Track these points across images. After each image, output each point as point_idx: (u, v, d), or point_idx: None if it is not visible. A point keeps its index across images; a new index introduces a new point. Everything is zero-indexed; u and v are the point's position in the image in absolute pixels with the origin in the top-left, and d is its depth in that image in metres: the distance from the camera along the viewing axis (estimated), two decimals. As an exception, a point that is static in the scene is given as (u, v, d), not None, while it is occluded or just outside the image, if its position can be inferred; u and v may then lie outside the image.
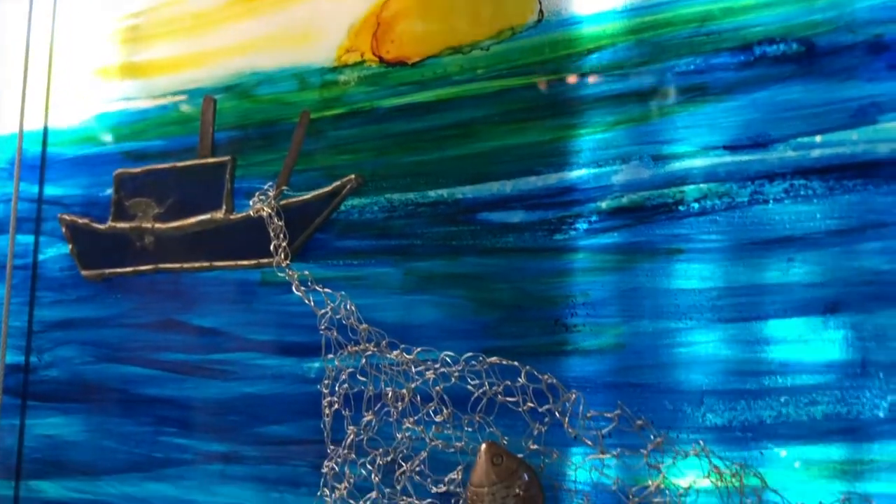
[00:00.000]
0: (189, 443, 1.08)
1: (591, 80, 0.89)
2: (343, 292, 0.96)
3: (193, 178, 1.12)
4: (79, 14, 1.30)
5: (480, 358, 0.86)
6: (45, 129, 1.29)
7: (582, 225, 0.87)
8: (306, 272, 0.99)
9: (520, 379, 0.84)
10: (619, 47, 0.88)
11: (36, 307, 1.25)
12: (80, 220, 1.20)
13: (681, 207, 0.83)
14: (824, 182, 0.77)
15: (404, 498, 0.89)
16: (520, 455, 0.82)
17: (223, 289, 1.08)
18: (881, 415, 0.73)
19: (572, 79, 0.90)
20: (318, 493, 0.94)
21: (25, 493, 1.21)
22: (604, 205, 0.87)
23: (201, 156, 1.12)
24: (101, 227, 1.18)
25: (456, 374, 0.87)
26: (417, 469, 0.88)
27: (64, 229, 1.22)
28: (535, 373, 0.84)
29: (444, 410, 0.87)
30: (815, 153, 0.78)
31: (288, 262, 1.00)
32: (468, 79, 0.95)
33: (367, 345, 0.93)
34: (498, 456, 0.79)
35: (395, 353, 0.91)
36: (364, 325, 0.93)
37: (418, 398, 0.89)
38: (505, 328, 0.89)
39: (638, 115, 0.86)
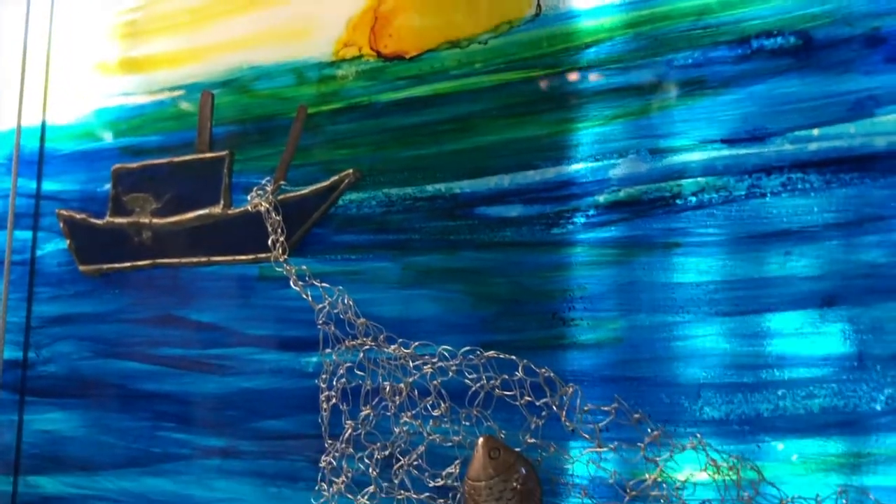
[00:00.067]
0: (187, 438, 1.08)
1: (590, 75, 0.89)
2: (341, 287, 0.96)
3: (191, 173, 1.11)
4: (76, 10, 1.29)
5: (478, 352, 0.86)
6: (43, 125, 1.29)
7: (580, 219, 0.87)
8: (304, 267, 0.99)
9: (517, 373, 0.84)
10: (617, 41, 0.88)
11: (34, 303, 1.25)
12: (78, 216, 1.20)
13: (678, 201, 0.83)
14: (821, 175, 0.77)
15: (402, 492, 0.89)
16: (517, 449, 0.82)
17: (221, 284, 1.08)
18: (878, 408, 0.73)
19: (573, 76, 0.90)
20: (316, 488, 0.94)
21: (24, 488, 1.21)
22: (601, 199, 0.87)
23: (199, 151, 1.12)
24: (99, 222, 1.18)
25: (454, 368, 0.87)
26: (415, 463, 0.88)
27: (62, 225, 1.22)
28: (533, 367, 0.84)
29: (442, 404, 0.87)
30: (813, 146, 0.78)
31: (286, 256, 1.00)
32: (466, 73, 0.95)
33: (364, 339, 0.93)
34: (495, 450, 0.79)
35: (392, 347, 0.91)
36: (362, 320, 0.93)
37: (416, 392, 0.89)
38: (503, 322, 0.89)
39: (635, 108, 0.86)
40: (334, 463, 0.93)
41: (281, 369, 1.02)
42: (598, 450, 0.81)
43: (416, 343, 0.90)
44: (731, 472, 0.76)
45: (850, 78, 0.77)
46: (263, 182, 1.03)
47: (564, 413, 0.82)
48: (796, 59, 0.80)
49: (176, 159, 1.13)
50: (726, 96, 0.82)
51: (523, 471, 0.79)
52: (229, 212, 1.07)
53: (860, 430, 0.74)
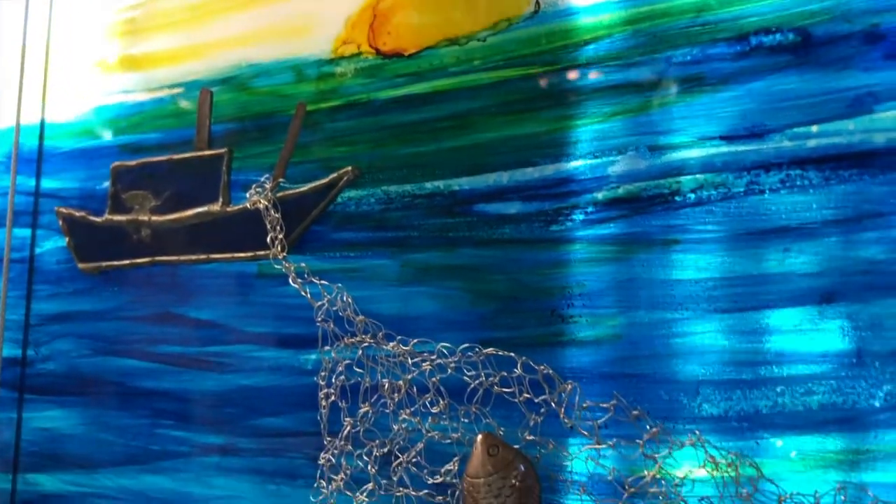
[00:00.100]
0: (186, 435, 1.08)
1: (589, 72, 0.89)
2: (340, 284, 0.96)
3: (190, 170, 1.11)
4: (76, 7, 1.29)
5: (477, 349, 0.86)
6: (42, 123, 1.29)
7: (578, 216, 0.87)
8: (303, 264, 0.99)
9: (516, 370, 0.84)
10: (616, 38, 0.88)
11: (33, 300, 1.25)
12: (77, 214, 1.20)
13: (677, 198, 0.83)
14: (820, 172, 0.77)
15: (401, 489, 0.89)
16: (516, 446, 0.82)
17: (220, 281, 1.08)
18: (877, 404, 0.73)
19: (572, 73, 0.90)
20: (315, 485, 0.94)
21: (23, 486, 1.21)
22: (600, 196, 0.87)
23: (198, 148, 1.11)
24: (98, 219, 1.18)
25: (452, 365, 0.87)
26: (414, 460, 0.88)
27: (61, 222, 1.22)
28: (532, 364, 0.84)
29: (441, 402, 0.87)
30: (812, 143, 0.78)
31: (284, 254, 1.00)
32: (465, 70, 0.95)
33: (363, 336, 0.93)
34: (494, 447, 0.79)
35: (391, 344, 0.91)
36: (360, 317, 0.93)
37: (415, 389, 0.89)
38: (501, 319, 0.89)
39: (634, 105, 0.86)
40: (333, 460, 0.93)
41: (280, 367, 1.02)
42: (597, 447, 0.81)
43: (415, 340, 0.90)
44: (729, 469, 0.76)
45: (849, 74, 0.77)
46: (262, 179, 1.03)
47: (563, 410, 0.82)
48: (795, 56, 0.80)
49: (175, 157, 1.13)
50: (725, 93, 0.82)
51: (522, 468, 0.79)
52: (228, 209, 1.07)
53: (859, 426, 0.74)
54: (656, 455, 0.78)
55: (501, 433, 0.85)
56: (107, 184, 1.18)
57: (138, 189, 1.15)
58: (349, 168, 0.99)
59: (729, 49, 0.82)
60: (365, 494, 0.90)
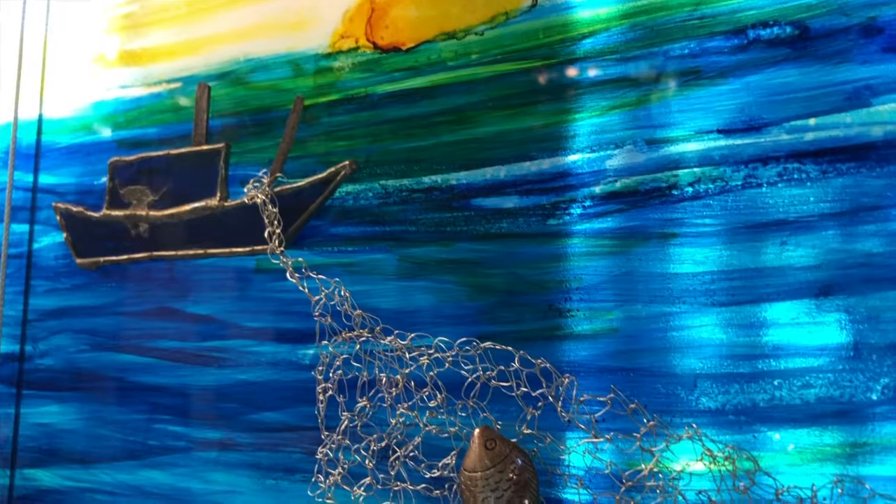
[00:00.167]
0: (184, 430, 1.08)
1: (586, 66, 0.89)
2: (337, 279, 0.96)
3: (188, 165, 1.11)
4: (73, 2, 1.29)
5: (474, 343, 0.86)
6: (40, 118, 1.29)
7: (576, 210, 0.87)
8: (300, 259, 0.99)
9: (513, 364, 0.84)
10: (613, 32, 0.88)
11: (31, 296, 1.24)
12: (75, 209, 1.20)
13: (674, 191, 0.83)
14: (818, 165, 0.77)
15: (398, 483, 0.89)
16: (513, 440, 0.82)
17: (218, 276, 1.08)
18: (874, 397, 0.73)
19: (569, 67, 0.90)
20: (313, 479, 0.94)
21: (21, 481, 1.21)
22: (598, 190, 0.87)
23: (196, 143, 1.11)
24: (96, 215, 1.18)
25: (450, 359, 0.87)
26: (411, 454, 0.88)
27: (58, 218, 1.22)
28: (529, 357, 0.84)
29: (438, 396, 0.87)
30: (809, 136, 0.78)
31: (282, 248, 1.00)
32: (462, 64, 0.95)
33: (361, 331, 0.93)
34: (491, 441, 0.79)
35: (389, 338, 0.91)
36: (358, 312, 0.93)
37: (412, 384, 0.89)
38: (499, 313, 0.89)
39: (632, 99, 0.86)
40: (331, 454, 0.93)
41: (278, 361, 1.02)
42: (594, 440, 0.81)
43: (413, 334, 0.90)
44: (727, 462, 0.76)
45: (847, 68, 0.77)
46: (260, 174, 1.03)
47: (560, 404, 0.82)
48: (793, 50, 0.80)
49: (173, 152, 1.13)
50: (723, 87, 0.82)
51: (519, 461, 0.79)
52: (226, 204, 1.07)
53: (856, 419, 0.74)
54: (653, 448, 0.78)
55: (499, 427, 0.85)
56: (104, 179, 1.18)
57: (136, 184, 1.15)
58: (347, 162, 0.99)
59: (726, 42, 0.82)
60: (363, 489, 0.90)
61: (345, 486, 0.92)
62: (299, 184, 1.02)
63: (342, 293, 0.95)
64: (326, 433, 0.94)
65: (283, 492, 0.99)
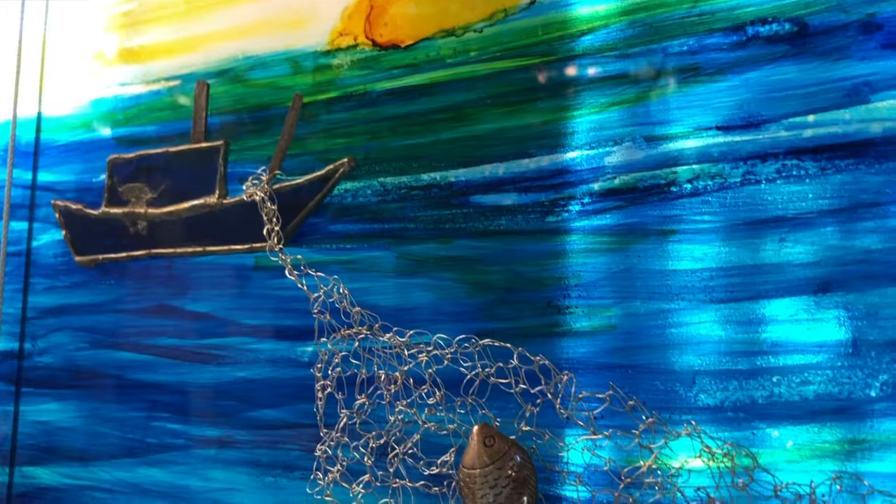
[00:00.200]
0: (182, 428, 1.08)
1: (585, 63, 0.89)
2: (336, 276, 0.95)
3: (187, 162, 1.11)
4: (72, 0, 1.29)
5: (473, 340, 0.86)
6: (39, 116, 1.29)
7: (574, 207, 0.87)
8: (299, 256, 0.99)
9: (512, 361, 0.84)
10: (612, 29, 0.88)
11: (30, 294, 1.24)
12: (74, 206, 1.20)
13: (673, 188, 0.83)
14: (816, 162, 0.77)
15: (397, 480, 0.89)
16: (512, 437, 0.82)
17: (216, 273, 1.08)
18: (872, 394, 0.73)
19: (568, 64, 0.90)
20: (312, 477, 0.94)
21: (20, 479, 1.21)
22: (596, 186, 0.86)
23: (195, 140, 1.11)
24: (95, 212, 1.18)
25: (448, 356, 0.87)
26: (410, 452, 0.88)
27: (57, 215, 1.21)
28: (528, 354, 0.84)
29: (437, 393, 0.87)
30: (808, 133, 0.78)
31: (281, 246, 1.00)
32: (461, 61, 0.95)
33: (359, 328, 0.93)
34: (490, 438, 0.79)
35: (387, 336, 0.91)
36: (357, 309, 0.93)
37: (411, 381, 0.89)
38: (498, 310, 0.89)
39: (631, 96, 0.86)
40: (330, 452, 0.93)
41: (276, 359, 1.02)
42: (593, 437, 0.81)
43: (411, 332, 0.90)
44: (725, 459, 0.76)
45: (846, 64, 0.77)
46: (259, 171, 1.03)
47: (559, 401, 0.82)
48: (792, 46, 0.80)
49: (171, 149, 1.13)
50: (721, 83, 0.82)
51: (518, 458, 0.79)
52: (224, 201, 1.07)
53: (855, 416, 0.74)
54: (652, 445, 0.78)
55: (497, 424, 0.84)
56: (103, 176, 1.18)
57: (135, 182, 1.15)
58: (345, 160, 0.99)
59: (725, 39, 0.82)
60: (361, 486, 0.90)
61: (343, 484, 0.92)
62: (298, 181, 1.02)
63: (341, 290, 0.95)
64: (325, 430, 0.94)
65: (282, 489, 0.99)
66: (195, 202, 1.09)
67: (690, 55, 0.84)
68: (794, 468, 0.75)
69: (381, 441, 0.90)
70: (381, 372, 0.91)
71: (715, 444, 0.76)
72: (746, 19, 0.81)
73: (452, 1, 0.96)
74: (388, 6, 1.00)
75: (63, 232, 1.21)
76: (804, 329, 0.76)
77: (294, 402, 0.99)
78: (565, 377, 0.82)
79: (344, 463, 0.92)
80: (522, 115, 0.91)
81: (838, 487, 0.72)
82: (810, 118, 0.78)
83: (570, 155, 0.88)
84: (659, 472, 0.78)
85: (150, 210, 1.13)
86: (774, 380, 0.77)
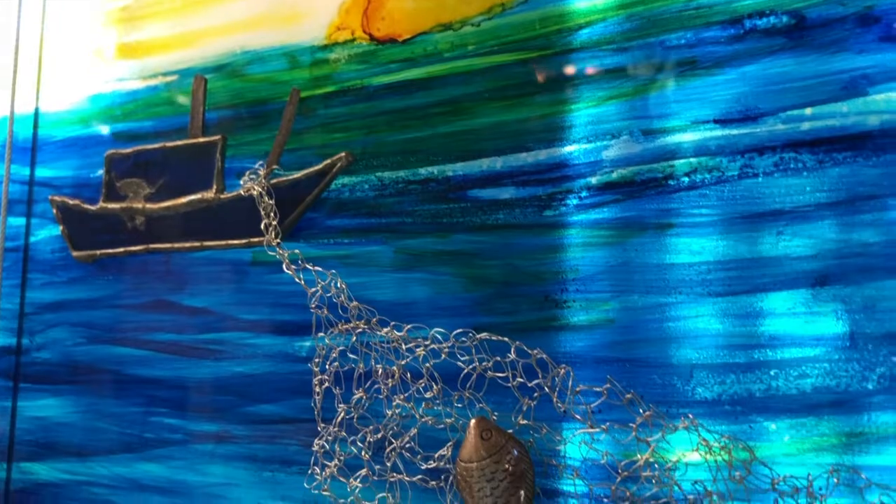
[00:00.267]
0: (180, 423, 1.08)
1: (583, 56, 0.89)
2: (334, 271, 0.95)
3: (184, 157, 1.11)
4: (70, -4, 1.29)
5: (470, 334, 0.86)
6: (37, 112, 1.29)
7: (572, 201, 0.87)
8: (297, 251, 0.98)
9: (510, 355, 0.84)
10: (610, 22, 0.88)
11: (28, 289, 1.24)
12: (71, 202, 1.20)
13: (671, 182, 0.83)
14: (814, 155, 0.77)
15: (394, 474, 0.89)
16: (509, 430, 0.82)
17: (214, 268, 1.08)
18: (870, 387, 0.73)
19: (565, 58, 0.90)
20: (309, 471, 0.94)
21: (17, 474, 1.21)
22: (594, 180, 0.86)
23: (192, 135, 1.11)
24: (92, 208, 1.18)
25: (446, 350, 0.87)
26: (407, 446, 0.88)
27: (55, 211, 1.21)
28: (525, 348, 0.84)
29: (434, 387, 0.87)
30: (806, 126, 0.78)
31: (279, 240, 0.99)
32: (459, 55, 0.95)
33: (357, 323, 0.93)
34: (487, 431, 0.79)
35: (385, 330, 0.91)
36: (354, 303, 0.93)
37: (408, 375, 0.89)
38: (495, 304, 0.89)
39: (628, 90, 0.86)
40: (327, 446, 0.93)
41: (274, 354, 1.02)
42: (590, 430, 0.80)
43: (409, 326, 0.89)
44: (722, 453, 0.76)
45: (844, 57, 0.77)
46: (256, 166, 1.02)
47: (556, 394, 0.82)
48: (789, 39, 0.79)
49: (169, 144, 1.13)
50: (719, 76, 0.82)
51: (515, 452, 0.79)
52: (222, 196, 1.07)
53: (852, 409, 0.73)
54: (649, 439, 0.78)
55: (495, 418, 0.84)
56: (101, 172, 1.18)
57: (132, 177, 1.15)
58: (343, 154, 0.99)
59: (723, 32, 0.82)
60: (359, 480, 0.90)
61: (341, 478, 0.92)
62: (295, 176, 1.01)
63: (338, 285, 0.95)
64: (323, 425, 0.94)
65: (280, 484, 0.99)
66: (193, 197, 1.09)
67: (688, 48, 0.84)
68: (792, 461, 0.75)
69: (379, 435, 0.90)
70: (378, 366, 0.91)
71: (712, 437, 0.76)
72: (744, 12, 0.81)
73: (450, -5, 0.96)
74: (386, 0, 1.00)
75: (61, 227, 1.21)
76: (801, 322, 0.76)
77: (292, 396, 0.99)
78: (563, 371, 0.82)
79: (341, 457, 0.92)
80: (520, 108, 0.91)
81: (835, 480, 0.72)
82: (808, 111, 0.78)
83: (568, 149, 0.88)
84: (656, 465, 0.78)
85: (148, 205, 1.13)
86: (772, 373, 0.77)
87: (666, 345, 0.81)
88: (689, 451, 0.77)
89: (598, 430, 0.80)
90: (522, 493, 0.78)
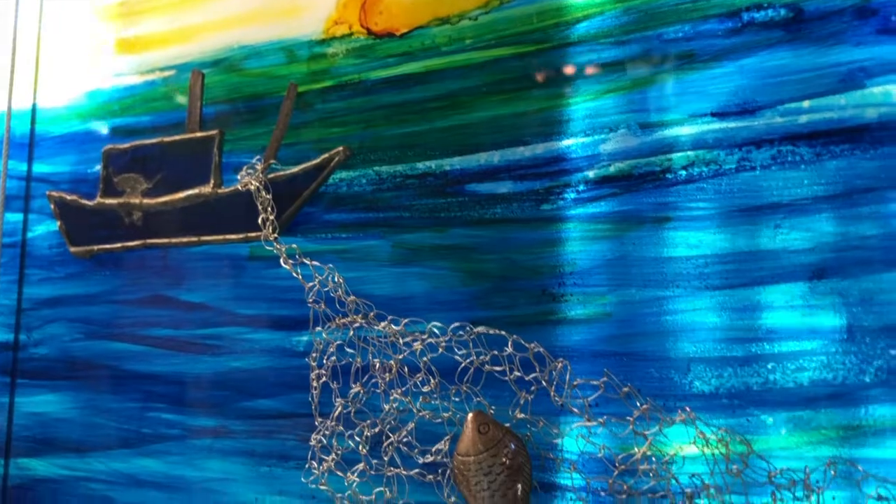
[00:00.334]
0: (178, 418, 1.08)
1: (581, 50, 0.89)
2: (331, 265, 0.95)
3: (181, 152, 1.11)
4: (67, -9, 1.29)
5: (468, 328, 0.86)
6: (34, 107, 1.28)
7: (570, 195, 0.87)
8: (294, 245, 0.98)
9: (507, 348, 0.84)
10: (608, 15, 0.87)
11: (25, 285, 1.24)
12: (69, 197, 1.20)
13: (668, 175, 0.83)
14: (812, 148, 0.77)
15: (392, 469, 0.89)
16: (507, 424, 0.82)
17: (212, 263, 1.08)
18: (867, 380, 0.73)
19: (563, 52, 0.90)
20: (306, 466, 0.94)
21: (15, 470, 1.20)
22: (591, 174, 0.86)
23: (189, 130, 1.11)
24: (90, 203, 1.17)
25: (443, 344, 0.87)
26: (405, 440, 0.88)
27: (52, 206, 1.21)
28: (523, 342, 0.84)
29: (432, 381, 0.87)
30: (803, 119, 0.78)
31: (276, 235, 0.99)
32: (456, 49, 0.95)
33: (354, 317, 0.92)
34: (484, 425, 0.79)
35: (382, 324, 0.91)
36: (352, 298, 0.93)
37: (406, 369, 0.89)
38: (493, 299, 0.89)
39: (626, 83, 0.86)
40: (324, 441, 0.93)
41: (272, 348, 1.02)
42: (587, 424, 0.80)
43: (406, 320, 0.89)
44: (720, 446, 0.75)
45: (841, 50, 0.77)
46: (253, 160, 1.02)
47: (554, 388, 0.82)
48: (787, 32, 0.79)
49: (166, 139, 1.12)
50: (716, 70, 0.82)
51: (512, 446, 0.79)
52: (219, 191, 1.07)
53: (849, 402, 0.73)
54: (646, 432, 0.78)
55: (492, 412, 0.84)
56: (99, 167, 1.18)
57: (130, 172, 1.15)
58: (340, 148, 0.99)
59: (720, 25, 0.82)
60: (356, 474, 0.90)
61: (338, 472, 0.91)
62: (293, 170, 1.01)
63: (336, 279, 0.94)
64: (320, 420, 0.94)
65: (277, 478, 0.99)
66: (190, 192, 1.09)
67: (686, 42, 0.83)
68: (789, 454, 0.75)
69: (376, 430, 0.90)
70: (375, 361, 0.90)
71: (709, 430, 0.76)
72: (742, 5, 0.81)
73: (447, -11, 0.96)
74: (383, -6, 1.00)
75: (58, 223, 1.21)
76: (799, 315, 0.76)
77: (289, 391, 0.99)
78: (560, 365, 0.82)
79: (339, 452, 0.92)
80: (517, 102, 0.91)
81: (832, 473, 0.72)
82: (805, 104, 0.78)
83: (566, 142, 0.88)
84: (653, 458, 0.78)
85: (146, 200, 1.13)
86: (769, 366, 0.76)
87: (663, 338, 0.81)
88: (686, 445, 0.77)
89: (595, 423, 0.80)
90: (520, 486, 0.78)
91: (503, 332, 0.84)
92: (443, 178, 0.94)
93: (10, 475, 1.21)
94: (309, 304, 0.95)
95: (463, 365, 0.85)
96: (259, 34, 1.08)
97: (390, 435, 0.89)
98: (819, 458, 0.73)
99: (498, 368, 0.84)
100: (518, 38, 0.92)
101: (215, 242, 1.07)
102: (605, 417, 0.80)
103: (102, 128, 1.20)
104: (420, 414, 0.88)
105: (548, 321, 0.86)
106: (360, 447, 0.90)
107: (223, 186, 1.07)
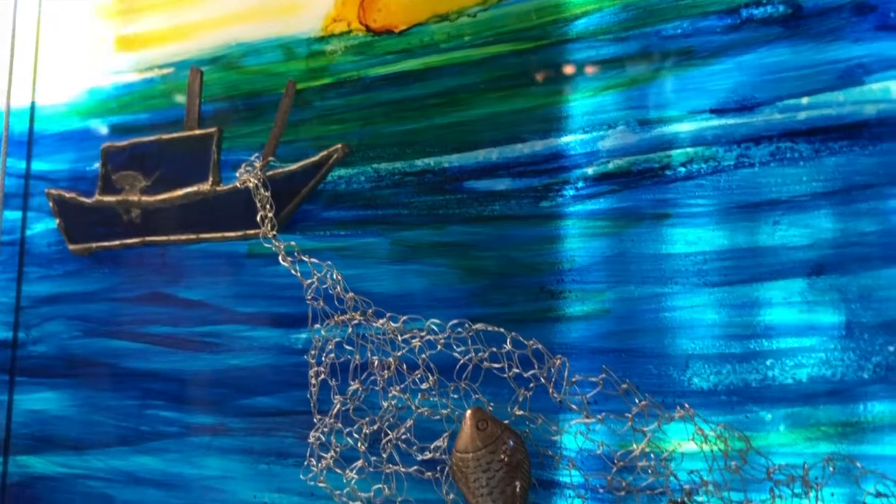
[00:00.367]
0: (176, 416, 1.08)
1: (579, 46, 0.89)
2: (329, 262, 0.95)
3: (180, 150, 1.11)
4: (66, -11, 1.29)
5: (466, 325, 0.86)
6: (33, 105, 1.28)
7: (568, 191, 0.87)
8: (293, 243, 0.98)
9: (505, 345, 0.84)
10: (606, 12, 0.87)
11: (23, 283, 1.24)
12: (68, 195, 1.20)
13: (667, 172, 0.82)
14: (810, 144, 0.77)
15: (390, 466, 0.88)
16: (505, 421, 0.82)
17: (210, 261, 1.08)
18: (866, 376, 0.73)
19: (562, 48, 0.90)
20: (305, 463, 0.94)
21: (14, 468, 1.20)
22: (590, 171, 0.86)
23: (188, 128, 1.11)
24: (89, 201, 1.17)
25: (442, 341, 0.87)
26: (403, 437, 0.88)
27: (51, 204, 1.21)
28: (521, 339, 0.83)
29: (430, 378, 0.87)
30: (802, 115, 0.77)
31: (275, 232, 0.99)
32: (455, 46, 0.95)
33: (353, 314, 0.92)
34: (483, 422, 0.79)
35: (381, 321, 0.91)
36: (350, 295, 0.93)
37: (404, 366, 0.89)
38: (491, 296, 0.89)
39: (624, 80, 0.86)
40: (323, 438, 0.93)
41: (270, 346, 1.02)
42: (586, 421, 0.80)
43: (405, 317, 0.89)
44: (718, 442, 0.75)
45: (840, 46, 0.77)
46: (252, 158, 1.02)
47: (552, 385, 0.82)
48: (785, 28, 0.79)
49: (165, 137, 1.12)
50: (715, 66, 0.82)
51: (511, 443, 0.79)
52: (218, 189, 1.07)
53: (848, 398, 0.73)
54: (645, 429, 0.78)
55: (491, 408, 0.84)
56: (97, 165, 1.18)
57: (128, 170, 1.15)
58: (339, 146, 0.99)
59: (719, 22, 0.82)
60: (355, 472, 0.90)
61: (337, 470, 0.91)
62: (291, 168, 1.01)
63: (334, 277, 0.94)
64: (319, 417, 0.94)
65: (276, 476, 0.99)
66: (189, 189, 1.09)
67: (684, 38, 0.83)
68: (788, 451, 0.75)
69: (375, 427, 0.90)
70: (374, 358, 0.90)
71: (708, 427, 0.76)
72: (741, 2, 0.81)
73: (446, -14, 0.96)
74: (382, -9, 1.00)
75: (57, 220, 1.20)
76: (798, 312, 0.76)
77: (288, 389, 0.99)
78: (558, 361, 0.82)
79: (337, 449, 0.92)
80: (516, 99, 0.91)
81: (831, 469, 0.72)
82: (804, 100, 0.77)
83: (564, 139, 0.88)
84: (652, 455, 0.78)
85: (144, 198, 1.12)
86: (768, 363, 0.76)
87: (662, 335, 0.81)
88: (685, 441, 0.77)
89: (593, 420, 0.80)
90: (518, 483, 0.78)
91: (502, 329, 0.84)
92: (441, 176, 0.94)
93: (8, 473, 1.21)
94: (307, 302, 0.95)
95: (461, 362, 0.85)
96: (257, 31, 1.08)
97: (389, 432, 0.89)
98: (818, 455, 0.73)
99: (496, 365, 0.84)
100: (516, 34, 0.92)
101: (214, 240, 1.07)
102: (603, 414, 0.80)
103: (101, 125, 1.20)
104: (419, 411, 0.88)
105: (546, 318, 0.86)
106: (359, 444, 0.90)
107: (222, 184, 1.07)
